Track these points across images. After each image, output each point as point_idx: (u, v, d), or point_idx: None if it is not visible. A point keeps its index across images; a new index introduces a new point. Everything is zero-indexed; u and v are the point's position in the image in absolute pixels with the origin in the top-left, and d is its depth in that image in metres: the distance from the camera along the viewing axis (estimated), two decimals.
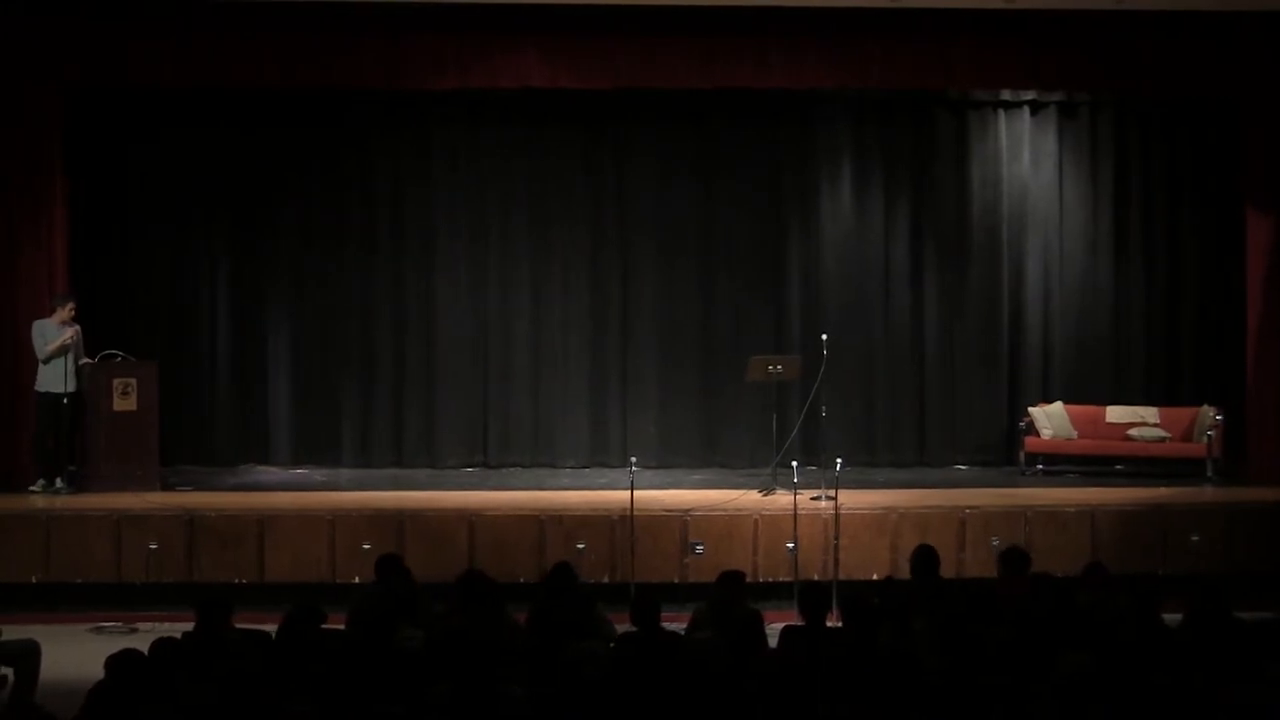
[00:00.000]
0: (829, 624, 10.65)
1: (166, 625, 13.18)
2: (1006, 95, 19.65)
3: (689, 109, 19.34)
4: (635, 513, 15.18)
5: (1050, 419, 18.70)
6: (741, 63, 17.69)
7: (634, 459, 15.89)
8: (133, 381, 16.78)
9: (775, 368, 17.20)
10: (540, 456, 19.57)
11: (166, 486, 17.02)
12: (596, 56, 17.66)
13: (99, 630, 14.53)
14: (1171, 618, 10.57)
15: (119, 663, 8.82)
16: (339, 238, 19.58)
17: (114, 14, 17.23)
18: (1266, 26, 17.53)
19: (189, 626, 10.31)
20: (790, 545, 15.16)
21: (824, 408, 17.24)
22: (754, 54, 17.66)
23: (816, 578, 14.89)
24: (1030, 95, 19.63)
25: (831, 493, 15.43)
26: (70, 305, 16.72)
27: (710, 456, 19.50)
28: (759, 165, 19.74)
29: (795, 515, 15.14)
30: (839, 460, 15.42)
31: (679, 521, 15.59)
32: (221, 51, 17.33)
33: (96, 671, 8.96)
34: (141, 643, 9.48)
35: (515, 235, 19.67)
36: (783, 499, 15.68)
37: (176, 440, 18.33)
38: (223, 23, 17.17)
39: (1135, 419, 18.68)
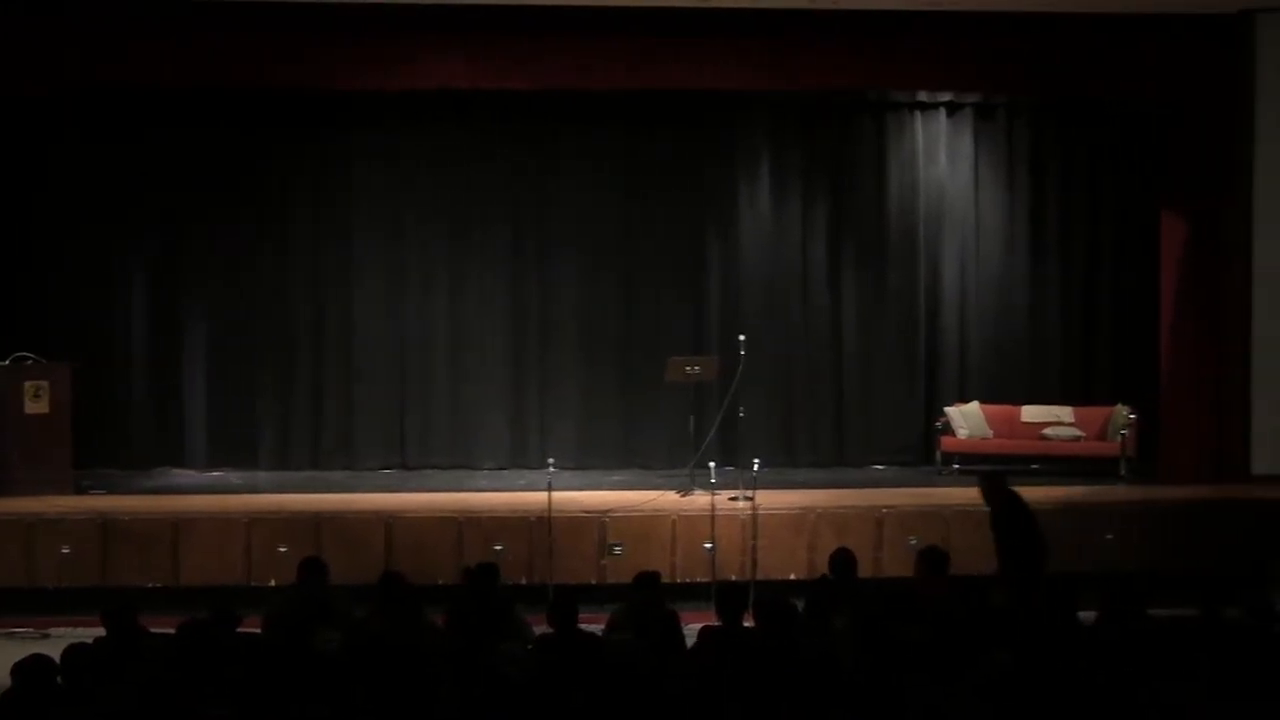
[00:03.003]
0: (746, 624, 10.65)
1: (80, 630, 13.04)
2: (923, 97, 19.75)
3: (611, 112, 19.34)
4: (553, 514, 15.20)
5: (966, 419, 18.80)
6: (665, 65, 17.65)
7: (552, 460, 15.88)
8: (45, 384, 16.64)
9: (693, 369, 17.21)
10: (459, 458, 19.52)
11: (80, 490, 16.88)
12: (518, 58, 17.57)
13: (10, 636, 14.35)
14: (1086, 615, 10.63)
15: (27, 669, 8.73)
16: (257, 239, 19.48)
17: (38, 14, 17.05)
18: (1187, 30, 17.65)
19: (103, 632, 10.23)
20: (708, 546, 15.19)
21: (742, 408, 17.31)
22: (678, 56, 17.62)
23: (734, 578, 14.93)
24: (947, 97, 19.74)
25: (749, 493, 15.48)
26: None
27: (629, 458, 19.51)
28: (681, 168, 19.75)
29: (713, 516, 15.18)
30: (756, 461, 15.48)
31: (597, 523, 15.62)
32: (138, 52, 17.15)
33: (6, 678, 8.87)
34: (54, 648, 9.37)
35: (435, 237, 19.62)
36: (701, 500, 15.73)
37: (91, 443, 18.12)
38: (136, 23, 16.99)
39: (1050, 418, 18.81)
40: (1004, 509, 13.43)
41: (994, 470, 14.45)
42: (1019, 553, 13.13)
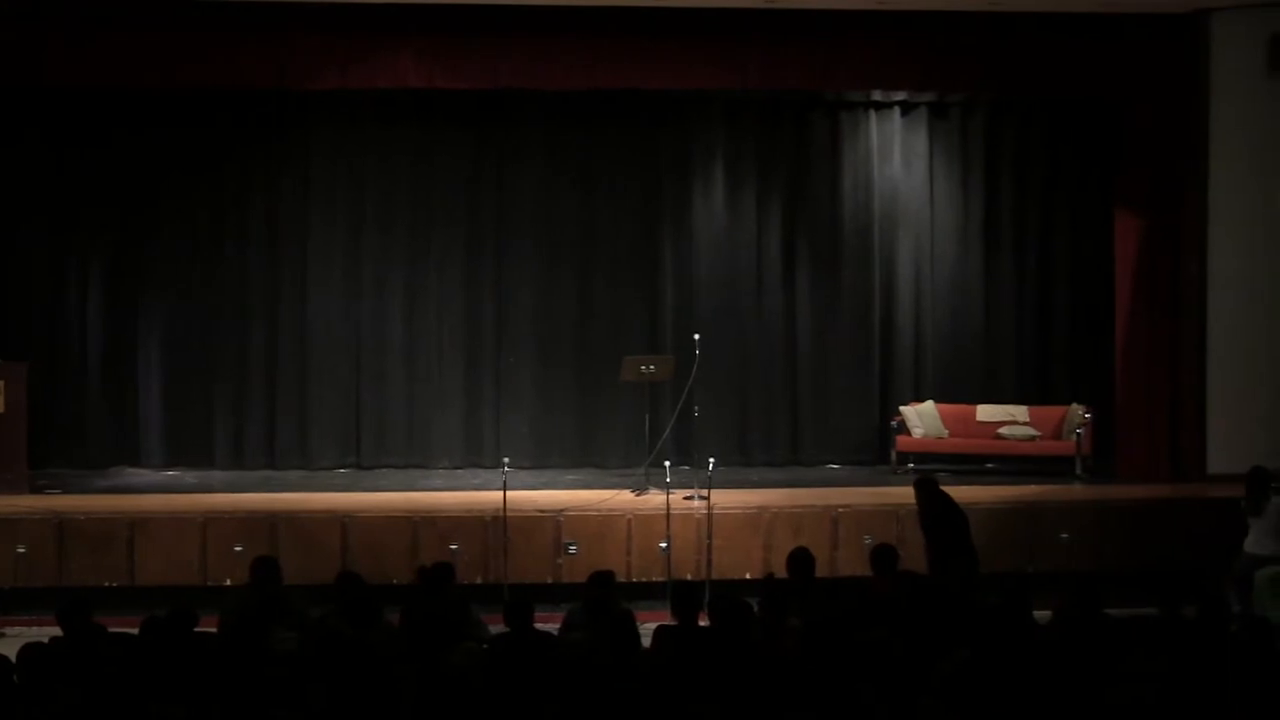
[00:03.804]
0: (702, 623, 10.67)
1: (36, 630, 13.02)
2: (878, 96, 19.75)
3: (570, 111, 19.29)
4: (508, 513, 15.20)
5: (921, 418, 18.82)
6: (623, 64, 17.71)
7: (507, 459, 15.87)
8: (0, 384, 16.56)
9: (648, 367, 17.20)
10: (414, 457, 19.46)
11: (35, 489, 16.83)
12: (476, 57, 17.58)
13: None
14: (1041, 614, 10.67)
15: None
16: (213, 239, 19.36)
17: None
18: (1142, 29, 17.73)
19: (59, 631, 10.20)
20: (663, 545, 15.20)
21: (697, 407, 17.32)
22: (636, 56, 17.67)
23: (690, 577, 14.94)
24: (901, 96, 19.75)
25: (704, 492, 15.47)
26: None
27: (584, 457, 19.48)
28: (637, 167, 19.74)
29: (668, 515, 15.19)
30: (712, 460, 15.47)
31: (552, 522, 15.61)
32: (100, 51, 17.10)
33: None
34: (10, 648, 9.35)
35: (391, 236, 19.55)
36: (656, 499, 15.72)
37: (47, 443, 18.13)
38: (100, 22, 16.94)
39: (1005, 417, 18.84)
40: (936, 512, 13.52)
41: (927, 475, 14.49)
42: (948, 555, 13.23)
